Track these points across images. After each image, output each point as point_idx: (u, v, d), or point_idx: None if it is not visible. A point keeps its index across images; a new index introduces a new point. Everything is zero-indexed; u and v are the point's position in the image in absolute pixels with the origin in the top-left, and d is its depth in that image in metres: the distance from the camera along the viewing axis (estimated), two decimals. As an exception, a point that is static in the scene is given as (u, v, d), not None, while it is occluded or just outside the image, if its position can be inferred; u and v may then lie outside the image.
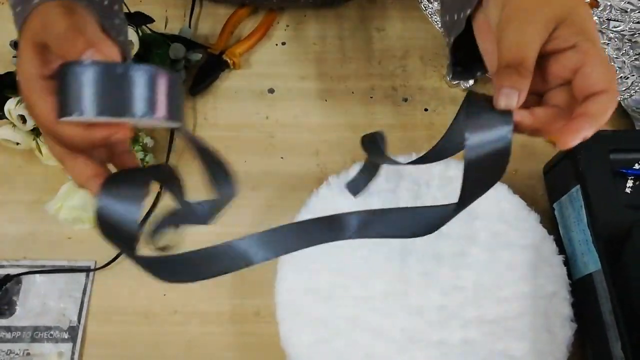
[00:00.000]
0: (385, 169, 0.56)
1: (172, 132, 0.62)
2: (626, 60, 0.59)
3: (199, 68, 0.65)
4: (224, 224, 0.57)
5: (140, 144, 0.59)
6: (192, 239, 0.57)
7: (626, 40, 0.60)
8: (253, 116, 0.64)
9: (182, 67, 0.64)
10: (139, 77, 0.29)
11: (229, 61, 0.65)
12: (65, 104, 0.29)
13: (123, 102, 0.28)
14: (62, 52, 0.31)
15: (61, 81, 0.29)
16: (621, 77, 0.58)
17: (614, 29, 0.61)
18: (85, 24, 0.33)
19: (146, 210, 0.58)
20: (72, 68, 0.28)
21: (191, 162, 0.61)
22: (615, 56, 0.59)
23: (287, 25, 0.70)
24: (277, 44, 0.69)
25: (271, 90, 0.66)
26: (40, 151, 0.56)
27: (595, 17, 0.61)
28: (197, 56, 0.65)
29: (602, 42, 0.60)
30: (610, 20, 0.61)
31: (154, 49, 0.62)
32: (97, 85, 0.28)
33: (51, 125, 0.31)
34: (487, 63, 0.35)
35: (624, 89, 0.57)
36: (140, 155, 0.58)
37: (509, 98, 0.29)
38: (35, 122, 0.33)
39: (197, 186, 0.60)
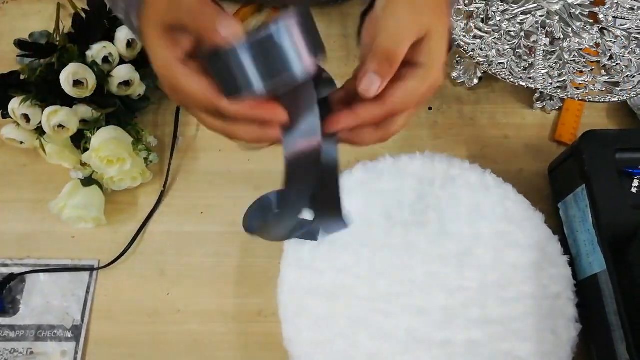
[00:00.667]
0: (388, 169, 0.55)
1: (175, 131, 0.62)
2: (633, 59, 0.58)
3: (202, 67, 0.65)
4: (227, 223, 0.58)
5: (144, 143, 0.59)
6: (193, 236, 0.57)
7: (633, 39, 0.59)
8: (256, 115, 0.64)
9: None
10: (283, 35, 0.29)
11: (232, 60, 0.65)
12: (230, 85, 0.30)
13: (281, 66, 0.29)
14: (198, 26, 0.30)
15: (216, 64, 0.30)
16: (627, 75, 0.57)
17: (621, 27, 0.60)
18: None
19: (151, 209, 0.58)
20: (228, 51, 0.29)
21: (194, 161, 0.61)
22: (621, 54, 0.59)
23: (291, 24, 0.70)
24: (280, 43, 0.69)
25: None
26: (44, 150, 0.56)
27: (602, 15, 0.60)
28: (200, 55, 0.65)
29: (608, 40, 0.59)
30: (616, 18, 0.61)
31: (158, 48, 0.62)
32: (255, 60, 0.29)
33: (212, 102, 0.31)
34: (362, 37, 0.37)
35: (630, 87, 0.56)
36: (144, 154, 0.58)
37: (374, 83, 0.31)
38: (188, 104, 0.33)
39: (200, 186, 0.60)
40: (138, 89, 0.60)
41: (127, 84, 0.58)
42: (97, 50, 0.57)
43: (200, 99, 0.32)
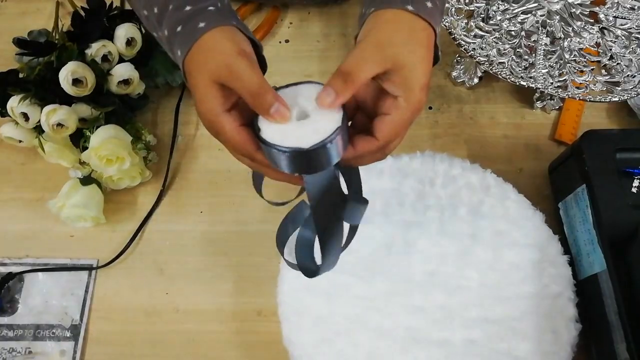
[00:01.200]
0: (388, 168, 0.55)
1: (174, 130, 0.62)
2: (633, 59, 0.58)
3: (202, 66, 0.65)
4: (227, 222, 0.57)
5: (143, 142, 0.58)
6: (192, 235, 0.57)
7: (633, 38, 0.59)
8: (256, 114, 0.64)
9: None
10: (329, 148, 0.33)
11: (232, 59, 0.65)
12: (272, 160, 0.35)
13: (320, 166, 0.35)
14: (255, 105, 0.34)
15: (265, 150, 0.35)
16: (628, 75, 0.57)
17: (621, 27, 0.60)
18: (256, 64, 0.36)
19: (150, 208, 0.58)
20: (277, 149, 0.34)
21: (194, 160, 0.61)
22: (622, 54, 0.58)
23: (291, 23, 0.70)
24: (280, 42, 0.69)
25: (275, 88, 0.65)
26: (42, 149, 0.56)
27: (602, 15, 0.60)
28: (200, 54, 0.64)
29: (608, 39, 0.59)
30: (617, 17, 0.61)
31: (157, 47, 0.62)
32: (296, 161, 0.34)
33: (250, 152, 0.36)
34: None
35: (630, 87, 0.56)
36: (143, 153, 0.58)
37: (329, 95, 0.34)
38: (228, 147, 0.37)
39: (200, 185, 0.60)
40: (137, 87, 0.60)
41: (126, 82, 0.58)
42: (96, 49, 0.57)
43: (239, 147, 0.36)
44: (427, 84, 0.36)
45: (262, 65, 0.41)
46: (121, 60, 0.59)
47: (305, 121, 0.35)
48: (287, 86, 0.37)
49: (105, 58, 0.58)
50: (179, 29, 0.38)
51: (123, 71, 0.58)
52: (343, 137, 0.34)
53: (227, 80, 0.35)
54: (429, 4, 0.37)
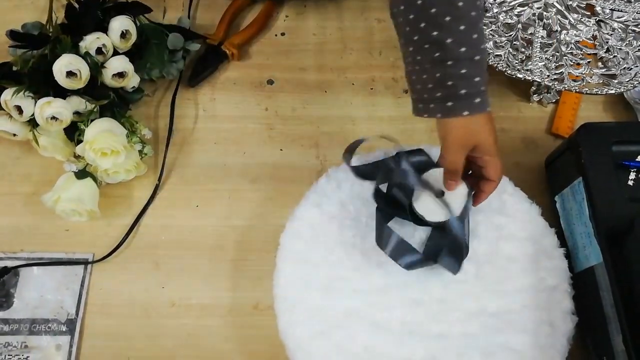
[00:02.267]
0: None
1: (170, 124, 0.61)
2: (630, 51, 0.58)
3: (197, 59, 0.65)
4: (221, 216, 0.57)
5: (138, 135, 0.58)
6: (188, 229, 0.57)
7: (630, 31, 0.59)
8: (252, 108, 0.63)
9: (180, 57, 0.63)
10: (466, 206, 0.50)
11: (227, 52, 0.65)
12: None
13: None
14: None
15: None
16: (624, 67, 0.57)
17: (618, 19, 0.60)
18: None
19: (145, 202, 0.58)
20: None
21: (189, 154, 0.61)
22: (618, 47, 0.58)
23: (287, 16, 0.70)
24: (276, 35, 0.68)
25: (270, 82, 0.65)
26: (37, 142, 0.56)
27: (599, 8, 0.60)
28: (195, 47, 0.64)
29: (605, 32, 0.59)
30: (614, 10, 0.61)
31: (152, 39, 0.61)
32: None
33: None
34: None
35: (627, 79, 0.56)
36: (138, 146, 0.57)
37: (449, 185, 0.48)
38: None
39: (195, 179, 0.60)
40: (132, 80, 0.59)
41: (121, 75, 0.58)
42: (91, 41, 0.56)
43: None
44: (496, 140, 0.46)
45: None
46: (116, 53, 0.59)
47: (445, 197, 0.49)
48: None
49: (99, 51, 0.57)
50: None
51: (117, 64, 0.57)
52: (470, 196, 0.49)
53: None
54: (476, 100, 0.45)
